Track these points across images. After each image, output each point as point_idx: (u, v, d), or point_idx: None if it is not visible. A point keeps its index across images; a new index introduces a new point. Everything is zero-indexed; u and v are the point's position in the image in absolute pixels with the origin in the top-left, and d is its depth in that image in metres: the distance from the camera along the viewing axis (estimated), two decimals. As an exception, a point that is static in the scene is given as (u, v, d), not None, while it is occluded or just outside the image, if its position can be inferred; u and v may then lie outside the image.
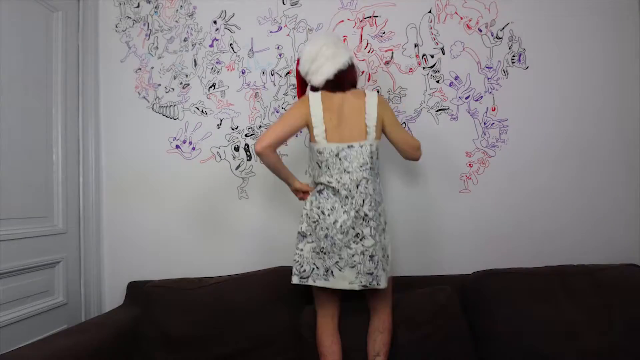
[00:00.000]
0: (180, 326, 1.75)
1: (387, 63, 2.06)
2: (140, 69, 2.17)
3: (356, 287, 1.49)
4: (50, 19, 1.93)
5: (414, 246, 2.02)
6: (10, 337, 1.62)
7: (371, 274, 1.48)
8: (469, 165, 2.02)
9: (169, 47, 2.16)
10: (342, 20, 2.08)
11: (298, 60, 1.66)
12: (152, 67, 2.16)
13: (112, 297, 2.12)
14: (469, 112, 2.02)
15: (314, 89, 1.63)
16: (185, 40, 2.15)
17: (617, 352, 1.58)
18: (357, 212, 1.49)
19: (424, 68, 2.04)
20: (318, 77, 1.58)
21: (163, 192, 2.12)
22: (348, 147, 1.51)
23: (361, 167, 1.51)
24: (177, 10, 2.16)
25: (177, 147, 2.13)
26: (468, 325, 1.69)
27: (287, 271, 1.89)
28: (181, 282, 1.89)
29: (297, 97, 1.77)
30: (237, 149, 2.10)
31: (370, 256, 1.48)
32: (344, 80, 1.59)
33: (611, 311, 1.64)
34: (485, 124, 2.01)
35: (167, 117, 2.15)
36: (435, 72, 2.03)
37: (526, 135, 2.00)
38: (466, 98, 2.02)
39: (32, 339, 1.65)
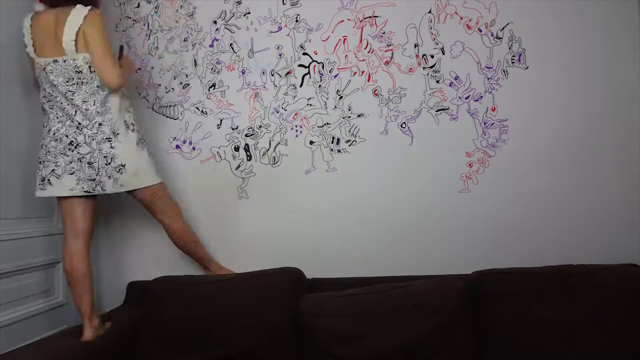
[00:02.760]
0: (182, 324, 1.75)
1: (387, 63, 2.06)
2: (140, 69, 2.17)
3: (77, 192, 1.59)
4: (50, 19, 1.93)
5: (413, 246, 2.02)
6: (10, 338, 1.62)
7: (93, 180, 1.60)
8: (469, 165, 2.01)
9: (169, 47, 2.16)
10: (342, 20, 2.08)
11: None
12: (152, 67, 2.16)
13: (112, 297, 2.11)
14: (469, 112, 2.02)
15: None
16: (185, 40, 2.15)
17: (617, 352, 1.58)
18: (71, 120, 1.58)
19: (424, 68, 2.04)
20: None
21: (163, 192, 2.12)
22: (53, 61, 1.57)
23: (67, 81, 1.57)
24: (177, 10, 2.16)
25: (177, 147, 2.13)
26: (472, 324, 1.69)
27: (291, 272, 1.90)
28: (183, 279, 1.89)
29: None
30: (237, 149, 2.10)
31: (88, 163, 1.58)
32: None
33: (611, 311, 1.64)
34: (485, 124, 2.01)
35: (167, 117, 2.15)
36: (435, 72, 2.03)
37: (526, 135, 2.00)
38: (466, 98, 2.02)
39: (32, 339, 1.65)
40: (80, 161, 1.57)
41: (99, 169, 1.59)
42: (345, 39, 2.07)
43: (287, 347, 1.73)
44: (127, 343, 1.72)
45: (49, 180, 1.58)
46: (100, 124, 1.60)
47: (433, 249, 2.02)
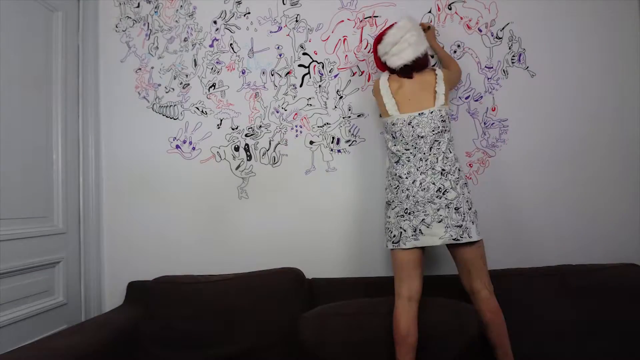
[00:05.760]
0: (181, 324, 1.75)
1: (387, 63, 2.05)
2: (140, 69, 2.17)
3: (447, 240, 1.51)
4: (50, 19, 1.93)
5: (414, 246, 2.02)
6: (10, 337, 1.62)
7: (460, 226, 1.51)
8: (469, 165, 2.01)
9: (169, 47, 2.16)
10: (342, 20, 2.08)
11: (377, 39, 1.78)
12: (152, 67, 2.16)
13: (112, 297, 2.12)
14: (469, 112, 2.02)
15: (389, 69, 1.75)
16: (185, 40, 2.15)
17: (617, 352, 1.58)
18: (433, 169, 1.56)
19: (424, 68, 2.04)
20: (396, 60, 1.69)
21: (163, 192, 2.12)
22: (419, 114, 1.60)
23: (432, 131, 1.59)
24: (177, 10, 2.16)
25: (177, 147, 2.13)
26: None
27: (291, 272, 1.90)
28: (183, 279, 1.89)
29: (378, 69, 1.90)
30: (237, 149, 2.10)
31: (455, 208, 1.52)
32: (417, 66, 1.70)
33: (611, 311, 1.64)
34: (485, 124, 2.01)
35: (167, 117, 2.15)
36: (435, 72, 2.03)
37: (526, 135, 2.00)
38: (466, 98, 2.02)
39: (32, 339, 1.65)
40: (448, 207, 1.53)
41: (464, 213, 1.53)
42: (345, 39, 2.07)
43: (287, 348, 1.73)
44: (127, 343, 1.72)
45: (420, 230, 1.53)
46: (459, 169, 1.59)
47: (433, 249, 2.01)
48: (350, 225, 2.05)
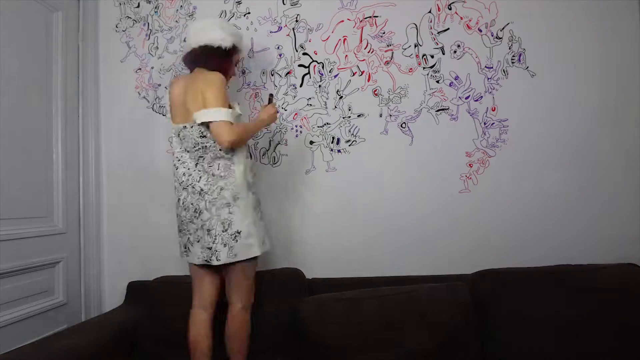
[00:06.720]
0: (181, 323, 1.74)
1: (387, 63, 2.06)
2: (140, 69, 2.17)
3: (202, 261, 1.52)
4: (50, 19, 1.93)
5: (414, 246, 2.02)
6: (10, 337, 1.62)
7: (210, 248, 1.50)
8: (469, 165, 2.01)
9: (169, 47, 2.16)
10: (342, 20, 2.08)
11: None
12: (152, 67, 2.16)
13: (112, 297, 2.12)
14: (469, 112, 2.02)
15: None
16: (185, 40, 2.14)
17: (616, 352, 1.58)
18: (193, 187, 1.53)
19: (424, 68, 2.04)
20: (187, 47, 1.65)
21: (163, 192, 2.11)
22: (184, 127, 1.53)
23: (194, 147, 1.52)
24: (177, 10, 2.16)
25: (177, 147, 2.13)
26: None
27: (291, 272, 1.90)
28: (183, 279, 1.89)
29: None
30: (237, 149, 2.10)
31: (207, 230, 1.50)
32: (194, 58, 1.61)
33: (610, 311, 1.64)
34: (485, 124, 2.01)
35: (167, 117, 2.14)
36: (435, 72, 2.03)
37: (526, 135, 2.00)
38: (466, 98, 2.02)
39: (32, 339, 1.65)
40: (202, 228, 1.51)
41: (216, 236, 1.49)
42: (345, 39, 2.07)
43: (287, 347, 1.73)
44: (127, 343, 1.72)
45: (188, 247, 1.58)
46: (221, 189, 1.50)
47: (433, 248, 2.02)
48: (350, 225, 2.05)
